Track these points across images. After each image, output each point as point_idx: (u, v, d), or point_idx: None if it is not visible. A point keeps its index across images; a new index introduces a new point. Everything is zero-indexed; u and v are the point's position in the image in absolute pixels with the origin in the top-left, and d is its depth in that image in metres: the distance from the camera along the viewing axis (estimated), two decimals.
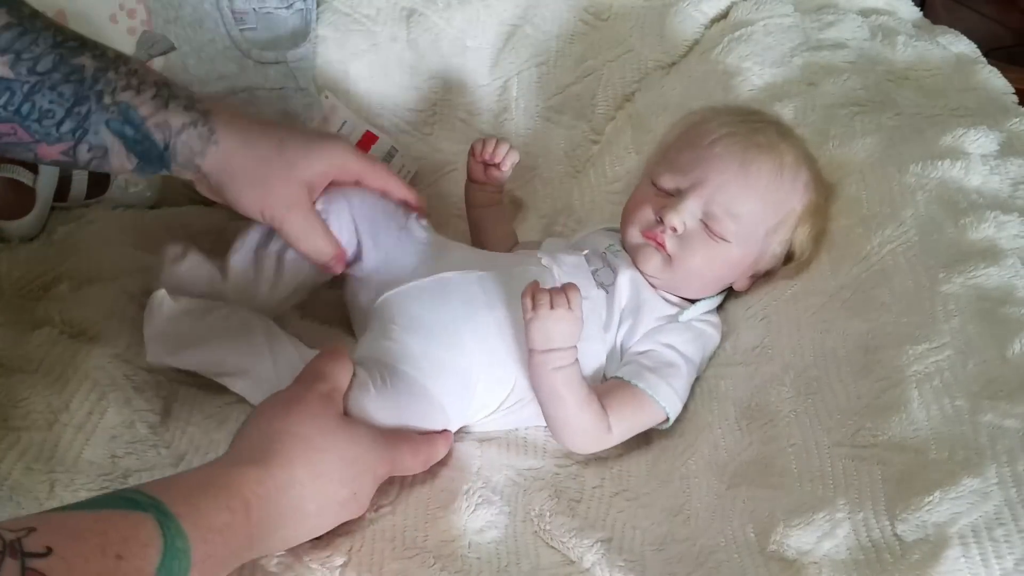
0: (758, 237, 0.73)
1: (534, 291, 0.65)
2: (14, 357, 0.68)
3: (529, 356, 0.67)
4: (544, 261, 0.76)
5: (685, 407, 0.73)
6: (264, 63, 0.96)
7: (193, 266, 0.75)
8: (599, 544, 0.62)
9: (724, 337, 0.76)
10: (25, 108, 0.59)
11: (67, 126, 0.61)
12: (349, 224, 0.75)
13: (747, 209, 0.72)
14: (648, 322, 0.74)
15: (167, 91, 0.64)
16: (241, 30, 0.95)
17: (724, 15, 0.94)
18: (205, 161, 0.66)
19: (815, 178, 0.74)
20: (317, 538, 0.59)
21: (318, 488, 0.56)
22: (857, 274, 0.69)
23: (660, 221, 0.73)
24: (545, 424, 0.70)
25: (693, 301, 0.76)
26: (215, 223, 0.89)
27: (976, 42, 0.90)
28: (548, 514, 0.64)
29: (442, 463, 0.68)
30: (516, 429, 0.74)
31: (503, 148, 0.83)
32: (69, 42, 0.60)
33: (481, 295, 0.72)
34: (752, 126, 0.74)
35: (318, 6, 0.99)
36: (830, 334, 0.66)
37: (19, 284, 0.78)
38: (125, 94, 0.62)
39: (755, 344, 0.73)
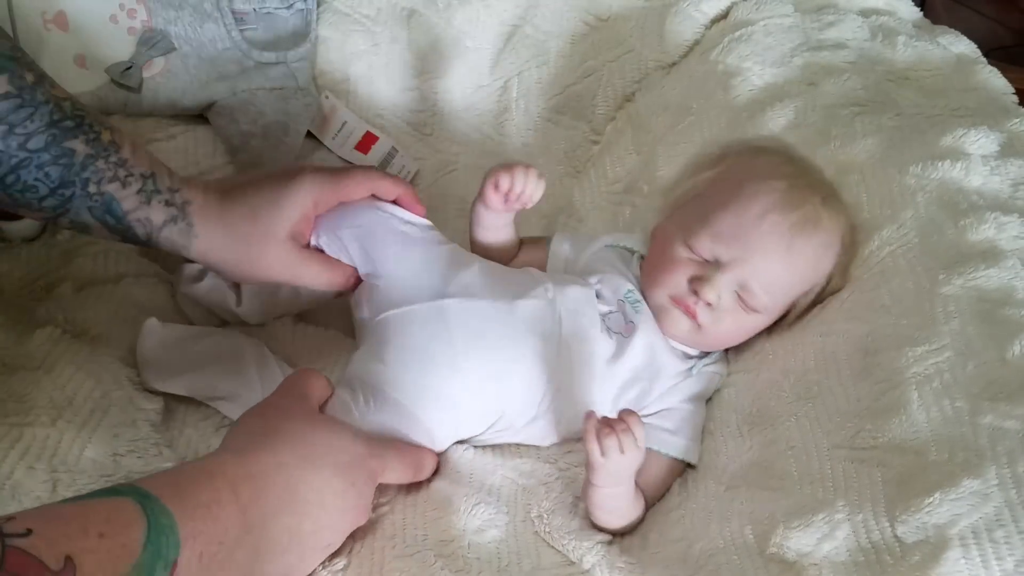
0: (787, 304, 0.71)
1: (599, 435, 0.60)
2: (16, 355, 0.68)
3: (589, 487, 0.64)
4: (550, 294, 0.72)
5: None
6: (264, 63, 0.96)
7: (210, 289, 0.76)
8: (599, 545, 0.62)
9: None
10: (10, 179, 0.59)
11: (49, 203, 0.61)
12: (348, 247, 0.74)
13: (784, 284, 0.69)
14: (664, 383, 0.72)
15: (152, 184, 0.64)
16: (241, 30, 0.95)
17: (724, 15, 0.94)
18: (191, 252, 0.67)
19: (851, 237, 0.71)
20: None
21: (310, 474, 0.56)
22: (857, 276, 0.69)
23: (695, 292, 0.69)
24: (536, 445, 0.72)
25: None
26: None
27: (976, 42, 0.90)
28: (547, 515, 0.64)
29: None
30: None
31: (532, 182, 0.72)
32: (65, 121, 0.60)
33: (479, 328, 0.69)
34: (800, 194, 0.69)
35: (318, 6, 0.99)
36: (830, 337, 0.66)
37: (20, 284, 0.78)
38: (111, 186, 0.62)
39: (756, 350, 0.73)
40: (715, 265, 0.70)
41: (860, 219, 0.71)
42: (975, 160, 0.71)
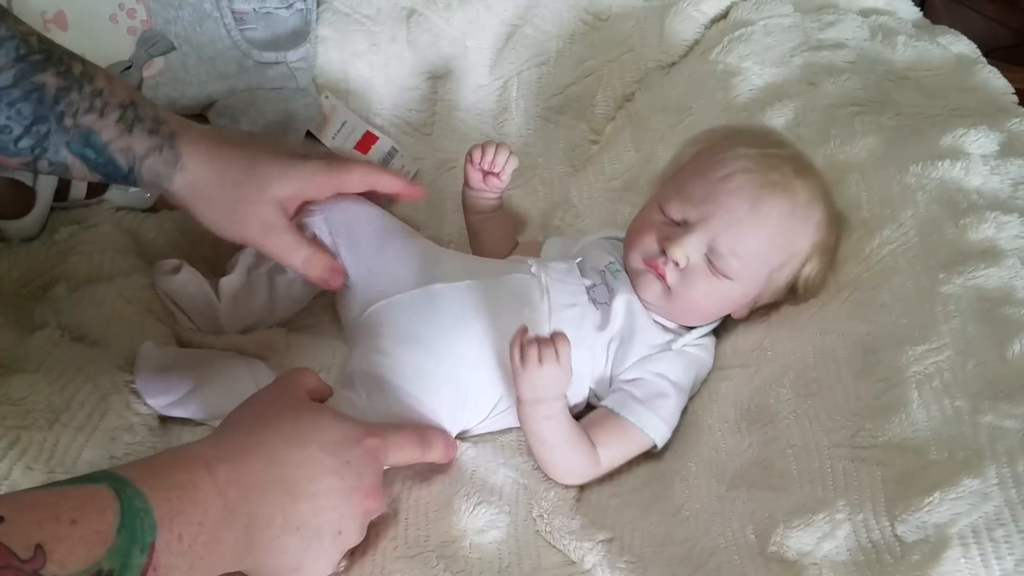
0: (761, 276, 0.71)
1: (522, 342, 0.63)
2: (14, 357, 0.68)
3: (517, 404, 0.66)
4: (533, 269, 0.75)
5: (684, 409, 0.73)
6: (264, 63, 0.96)
7: (185, 281, 0.76)
8: (600, 545, 0.62)
9: (723, 338, 0.76)
10: None
11: (25, 143, 0.59)
12: (327, 238, 0.75)
13: (753, 250, 0.70)
14: (640, 350, 0.73)
15: (132, 113, 0.62)
16: (241, 30, 0.95)
17: (724, 15, 0.94)
18: (172, 185, 0.65)
19: (828, 217, 0.71)
20: None
21: (294, 451, 0.54)
22: (857, 275, 0.69)
23: (663, 252, 0.71)
24: None
25: (689, 327, 0.75)
26: None
27: (976, 42, 0.90)
28: (548, 514, 0.64)
29: (436, 467, 0.68)
30: (509, 430, 0.74)
31: (503, 155, 0.79)
32: (33, 56, 0.58)
33: (469, 305, 0.71)
34: (769, 161, 0.70)
35: (318, 6, 0.99)
36: (830, 335, 0.66)
37: (19, 284, 0.78)
38: (87, 117, 0.60)
39: (754, 346, 0.73)
40: (684, 226, 0.71)
41: (860, 218, 0.71)
42: (975, 160, 0.71)
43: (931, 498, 0.51)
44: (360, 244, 0.76)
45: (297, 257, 0.69)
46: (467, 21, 1.00)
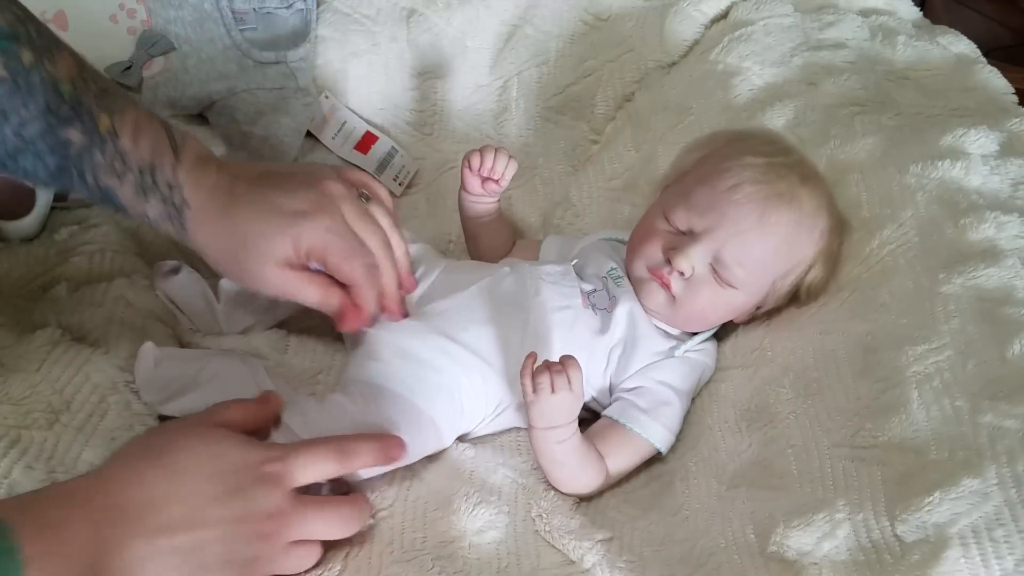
0: (766, 284, 0.71)
1: (533, 372, 0.63)
2: (14, 357, 0.68)
3: (529, 430, 0.66)
4: (520, 269, 0.75)
5: None
6: (264, 63, 0.96)
7: (185, 282, 0.77)
8: (600, 545, 0.62)
9: (723, 339, 0.76)
10: (9, 164, 0.57)
11: (53, 184, 0.60)
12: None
13: (758, 260, 0.69)
14: (643, 357, 0.72)
15: (149, 179, 0.61)
16: (241, 30, 0.95)
17: (724, 15, 0.94)
18: (191, 246, 0.64)
19: (833, 225, 0.71)
20: None
21: (178, 486, 0.52)
22: (857, 275, 0.69)
23: (668, 261, 0.70)
24: None
25: (691, 333, 0.75)
26: None
27: (976, 42, 0.90)
28: (547, 514, 0.64)
29: (434, 467, 0.68)
30: (509, 430, 0.74)
31: (502, 160, 0.78)
32: (62, 108, 0.57)
33: (465, 315, 0.71)
34: (776, 171, 0.70)
35: (318, 6, 0.99)
36: (830, 335, 0.66)
37: (19, 284, 0.78)
38: (108, 179, 0.60)
39: (754, 346, 0.73)
40: (689, 236, 0.71)
41: (860, 218, 0.71)
42: (975, 160, 0.71)
43: (931, 498, 0.51)
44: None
45: (314, 300, 0.65)
46: (467, 21, 1.00)
